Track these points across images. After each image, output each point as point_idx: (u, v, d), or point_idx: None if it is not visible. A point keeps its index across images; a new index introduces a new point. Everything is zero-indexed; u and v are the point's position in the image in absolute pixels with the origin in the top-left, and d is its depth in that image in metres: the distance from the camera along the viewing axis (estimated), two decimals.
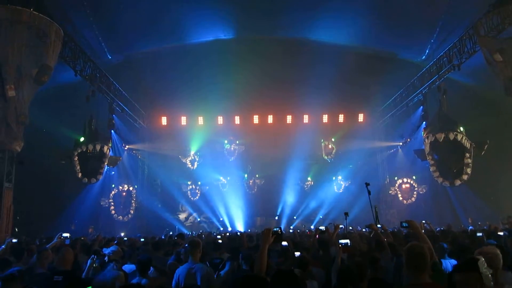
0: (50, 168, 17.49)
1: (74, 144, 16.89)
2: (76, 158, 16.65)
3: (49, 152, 17.27)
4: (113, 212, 22.30)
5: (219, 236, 12.76)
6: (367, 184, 7.11)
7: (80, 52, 15.38)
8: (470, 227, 15.00)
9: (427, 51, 19.80)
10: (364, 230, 14.03)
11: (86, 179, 16.96)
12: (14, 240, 7.95)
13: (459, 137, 16.26)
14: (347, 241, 6.34)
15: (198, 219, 25.53)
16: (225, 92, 21.38)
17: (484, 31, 13.00)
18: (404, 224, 5.32)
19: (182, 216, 25.46)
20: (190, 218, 25.59)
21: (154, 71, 20.92)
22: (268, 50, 19.96)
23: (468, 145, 16.26)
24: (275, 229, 4.26)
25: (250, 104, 23.85)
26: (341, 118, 25.28)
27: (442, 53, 16.96)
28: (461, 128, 16.45)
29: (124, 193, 23.08)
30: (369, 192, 7.06)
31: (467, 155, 16.32)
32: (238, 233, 14.79)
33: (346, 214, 8.04)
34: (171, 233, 18.24)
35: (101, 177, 17.77)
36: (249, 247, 7.48)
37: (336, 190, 25.89)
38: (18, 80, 11.28)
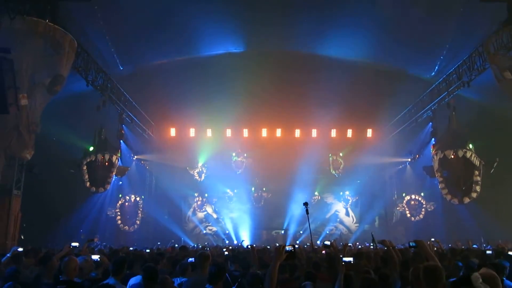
0: (58, 176, 17.58)
1: (83, 153, 17.05)
2: (84, 167, 16.79)
3: (58, 160, 17.39)
4: (119, 222, 22.32)
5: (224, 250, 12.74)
6: (305, 204, 7.02)
7: (92, 63, 15.58)
8: (475, 246, 14.81)
9: (436, 67, 19.79)
10: (371, 246, 13.91)
11: (94, 188, 17.07)
12: (20, 249, 7.98)
13: (468, 154, 16.19)
14: (351, 259, 6.27)
15: (204, 231, 25.47)
16: (234, 105, 21.46)
17: (494, 49, 13.01)
18: (411, 244, 5.27)
19: (188, 227, 25.39)
20: (195, 229, 25.53)
21: (164, 83, 21.06)
22: (278, 64, 20.08)
23: (477, 162, 16.17)
24: (287, 248, 4.23)
25: (258, 117, 23.93)
26: (349, 133, 25.19)
27: (451, 70, 16.95)
28: (471, 145, 16.38)
29: (131, 204, 23.10)
30: (307, 212, 6.98)
31: (476, 172, 16.22)
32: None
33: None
34: (176, 245, 18.20)
35: (109, 187, 17.86)
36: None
37: (343, 206, 25.75)
38: (31, 89, 11.45)
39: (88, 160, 16.84)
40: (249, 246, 9.65)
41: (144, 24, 17.31)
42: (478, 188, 16.12)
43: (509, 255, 7.96)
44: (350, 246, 13.65)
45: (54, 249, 11.17)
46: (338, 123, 24.37)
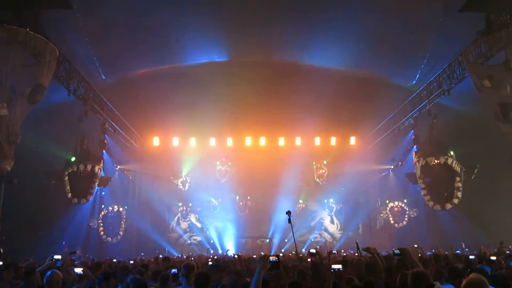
0: (39, 187, 17.27)
1: (65, 163, 16.78)
2: (66, 178, 16.50)
3: (39, 171, 17.09)
4: (102, 233, 21.99)
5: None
6: (288, 213, 7.15)
7: (74, 72, 15.41)
8: (458, 251, 15.02)
9: (417, 76, 20.12)
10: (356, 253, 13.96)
11: (76, 199, 16.76)
12: None
13: (449, 161, 16.46)
14: (340, 266, 6.29)
15: (188, 241, 25.23)
16: (218, 114, 21.43)
17: (472, 58, 13.32)
18: (396, 252, 5.30)
19: (172, 237, 25.13)
20: (180, 239, 25.28)
21: (147, 92, 20.94)
22: (261, 72, 20.15)
23: (458, 169, 16.45)
24: (272, 259, 4.23)
25: (242, 125, 23.94)
26: (333, 141, 25.38)
27: (432, 79, 17.26)
28: (452, 152, 16.65)
29: (113, 214, 22.80)
30: (289, 221, 7.13)
31: (458, 179, 16.50)
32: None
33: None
34: (161, 256, 18.00)
35: (91, 198, 17.60)
36: None
37: (327, 213, 25.84)
38: (11, 99, 11.25)
39: (70, 170, 16.57)
40: (236, 256, 9.57)
41: (128, 33, 17.22)
42: (459, 194, 16.38)
43: (491, 260, 8.11)
44: (334, 253, 13.70)
45: (34, 262, 10.94)
46: (322, 131, 24.53)
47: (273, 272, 5.52)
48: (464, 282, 3.38)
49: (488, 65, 13.06)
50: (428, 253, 12.87)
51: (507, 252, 13.42)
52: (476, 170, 16.58)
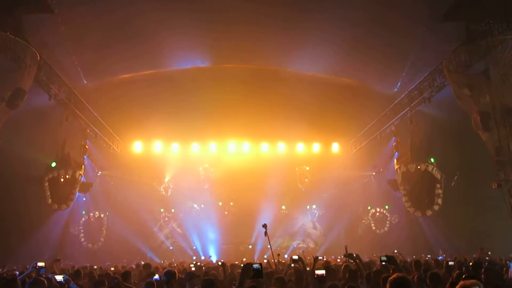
0: (18, 193, 16.91)
1: (45, 169, 16.52)
2: (46, 184, 16.25)
3: (18, 177, 16.75)
4: (82, 239, 21.63)
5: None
6: (264, 226, 7.38)
7: (55, 76, 15.22)
8: (440, 257, 15.22)
9: (399, 83, 20.40)
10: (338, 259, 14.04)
11: (56, 205, 16.52)
12: None
13: (430, 168, 16.72)
14: (323, 271, 6.32)
15: (171, 247, 24.99)
16: (201, 119, 21.40)
17: (453, 67, 13.60)
18: (383, 258, 5.36)
19: (154, 243, 24.83)
20: (162, 245, 25.01)
21: (130, 97, 20.74)
22: (244, 78, 20.18)
23: (438, 176, 16.72)
24: (255, 266, 4.23)
25: (225, 131, 23.88)
26: (315, 147, 25.57)
27: (413, 86, 17.54)
28: (432, 159, 16.90)
29: (94, 220, 22.47)
30: (266, 234, 7.37)
31: (438, 185, 16.78)
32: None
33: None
34: (142, 262, 17.77)
35: (71, 204, 17.33)
36: None
37: (310, 219, 25.91)
38: None
39: (50, 176, 16.33)
40: (220, 263, 9.51)
41: (110, 37, 17.03)
42: (439, 200, 16.65)
43: (470, 265, 8.22)
44: (320, 259, 13.74)
45: (13, 269, 10.71)
46: (304, 137, 24.67)
47: (258, 279, 5.51)
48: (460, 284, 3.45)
49: (468, 74, 13.34)
50: (408, 259, 13.01)
51: (486, 258, 13.67)
52: (456, 177, 16.91)
